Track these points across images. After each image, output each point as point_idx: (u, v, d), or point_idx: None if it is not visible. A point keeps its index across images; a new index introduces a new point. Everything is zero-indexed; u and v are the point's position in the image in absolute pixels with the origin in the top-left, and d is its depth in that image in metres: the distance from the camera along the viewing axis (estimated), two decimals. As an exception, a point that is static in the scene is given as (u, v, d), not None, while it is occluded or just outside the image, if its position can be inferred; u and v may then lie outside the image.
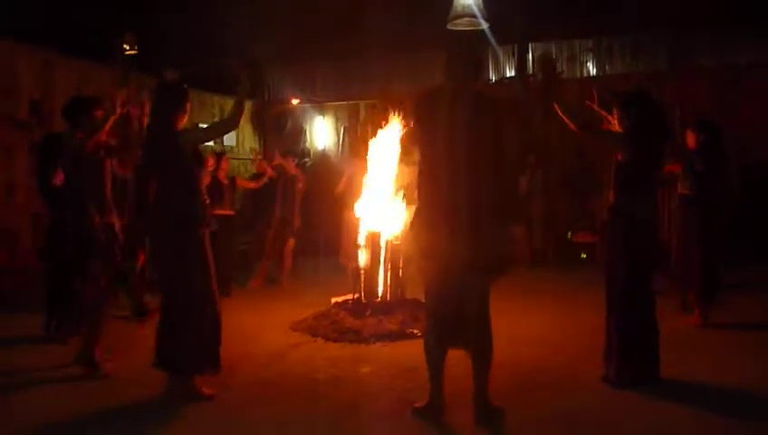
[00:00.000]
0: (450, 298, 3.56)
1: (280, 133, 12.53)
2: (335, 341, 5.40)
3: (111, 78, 7.84)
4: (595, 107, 4.63)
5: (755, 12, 9.15)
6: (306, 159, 11.89)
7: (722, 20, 9.47)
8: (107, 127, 4.83)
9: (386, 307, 5.90)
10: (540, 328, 5.75)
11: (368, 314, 5.77)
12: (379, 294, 6.08)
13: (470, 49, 3.77)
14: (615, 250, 4.23)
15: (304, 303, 6.58)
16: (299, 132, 12.62)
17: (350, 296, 6.25)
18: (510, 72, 10.84)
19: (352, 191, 6.52)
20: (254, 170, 10.40)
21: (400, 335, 5.41)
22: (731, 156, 6.92)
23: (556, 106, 4.25)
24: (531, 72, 10.54)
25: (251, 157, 11.52)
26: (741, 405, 3.86)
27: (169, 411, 3.79)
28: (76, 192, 4.79)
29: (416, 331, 5.37)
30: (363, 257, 6.12)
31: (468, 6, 4.83)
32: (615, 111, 4.36)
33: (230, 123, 4.27)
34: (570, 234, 9.90)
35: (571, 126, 4.28)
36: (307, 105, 12.51)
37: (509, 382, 4.13)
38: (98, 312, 4.57)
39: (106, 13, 8.74)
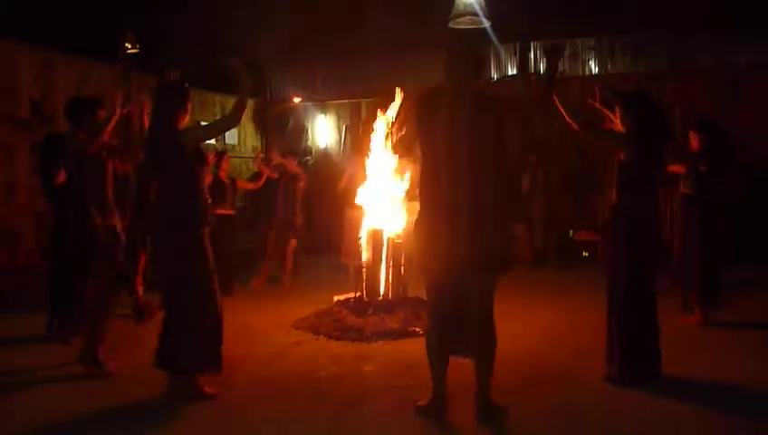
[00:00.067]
0: (452, 297, 3.56)
1: (282, 132, 12.49)
2: (337, 339, 5.40)
3: (112, 77, 7.85)
4: (597, 105, 4.63)
5: (755, 12, 9.12)
6: (308, 158, 11.86)
7: (722, 20, 9.45)
8: (109, 128, 4.82)
9: (388, 305, 5.91)
10: (541, 326, 5.76)
11: (370, 312, 5.78)
12: (381, 293, 6.09)
13: (471, 48, 3.75)
14: (617, 250, 4.24)
15: (306, 301, 6.59)
16: (301, 131, 12.58)
17: (352, 295, 6.27)
18: (512, 71, 10.81)
19: (354, 189, 6.50)
20: (256, 169, 10.39)
21: (402, 334, 5.42)
22: (738, 153, 6.91)
23: (557, 100, 4.23)
24: (533, 70, 10.53)
25: (252, 155, 11.51)
26: (742, 403, 3.88)
27: (171, 411, 3.80)
28: (78, 193, 4.80)
29: (418, 329, 5.38)
30: (365, 255, 6.13)
31: (470, 5, 4.84)
32: (617, 110, 4.36)
33: (231, 120, 4.22)
34: (571, 232, 9.90)
35: (573, 125, 4.27)
36: (309, 103, 12.46)
37: (511, 379, 4.14)
38: (101, 311, 4.57)
39: (106, 12, 8.75)
